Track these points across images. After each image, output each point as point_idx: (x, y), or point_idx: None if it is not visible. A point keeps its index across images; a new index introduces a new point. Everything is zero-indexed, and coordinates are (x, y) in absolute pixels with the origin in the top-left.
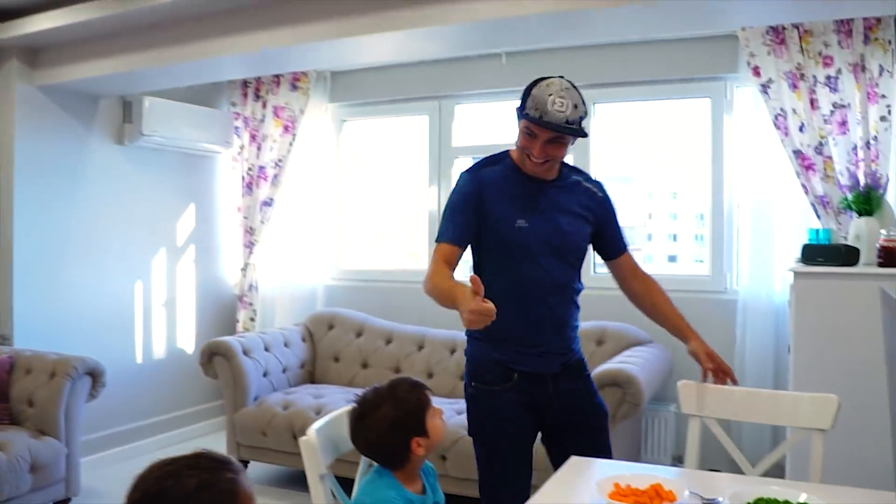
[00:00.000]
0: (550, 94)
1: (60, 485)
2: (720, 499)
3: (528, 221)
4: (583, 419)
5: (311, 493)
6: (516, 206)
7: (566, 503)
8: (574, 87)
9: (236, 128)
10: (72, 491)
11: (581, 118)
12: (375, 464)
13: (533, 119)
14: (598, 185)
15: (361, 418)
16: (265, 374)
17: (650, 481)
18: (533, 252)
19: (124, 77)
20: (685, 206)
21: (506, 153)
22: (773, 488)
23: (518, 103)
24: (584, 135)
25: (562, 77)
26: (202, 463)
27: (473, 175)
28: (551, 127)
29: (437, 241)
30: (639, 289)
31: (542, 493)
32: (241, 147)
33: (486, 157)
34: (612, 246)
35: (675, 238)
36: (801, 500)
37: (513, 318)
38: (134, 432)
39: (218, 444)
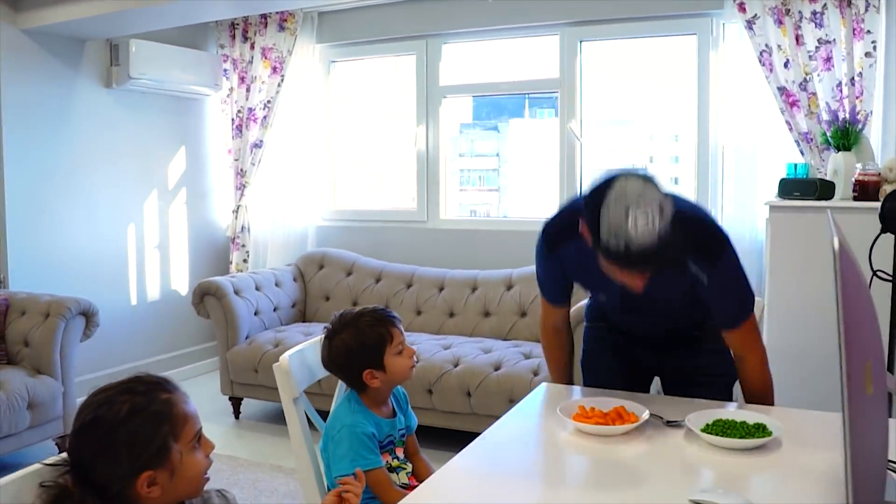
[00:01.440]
0: (625, 212)
1: (58, 422)
2: (684, 420)
3: (609, 299)
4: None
5: (285, 415)
6: (596, 283)
7: (529, 425)
8: (649, 191)
9: (225, 70)
10: (69, 428)
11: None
12: (349, 389)
13: (619, 257)
14: (709, 267)
15: (328, 338)
16: (256, 314)
17: (614, 405)
18: (623, 311)
19: (110, 19)
20: (687, 148)
21: (578, 226)
22: (730, 410)
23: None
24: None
25: (626, 177)
26: (136, 387)
27: (553, 254)
28: (644, 261)
29: (541, 295)
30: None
31: (508, 416)
32: (231, 89)
33: (559, 230)
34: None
35: (676, 181)
36: (756, 422)
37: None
38: (130, 373)
39: (212, 383)
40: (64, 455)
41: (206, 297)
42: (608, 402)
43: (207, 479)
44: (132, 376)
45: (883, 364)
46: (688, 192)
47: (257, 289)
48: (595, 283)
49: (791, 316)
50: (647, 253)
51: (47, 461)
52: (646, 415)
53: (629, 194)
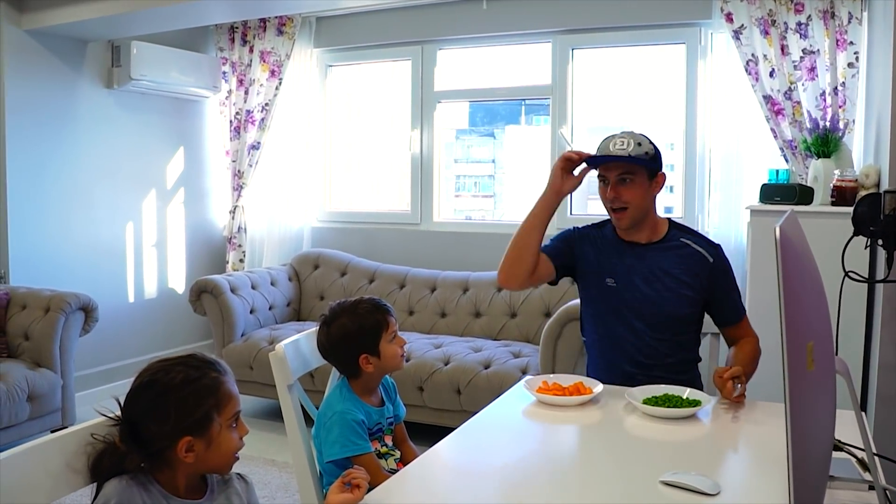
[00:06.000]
0: (612, 136)
1: (56, 414)
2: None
3: (616, 281)
4: None
5: (280, 401)
6: (607, 263)
7: (509, 414)
8: (639, 133)
9: (224, 72)
10: (68, 420)
11: (647, 154)
12: (340, 378)
13: (594, 157)
14: (712, 248)
15: (325, 324)
16: (252, 312)
17: (573, 380)
18: (623, 313)
19: (112, 21)
20: (681, 156)
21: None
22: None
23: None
24: (656, 166)
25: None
26: (192, 362)
27: (575, 228)
28: (611, 158)
29: None
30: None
31: (490, 407)
32: (229, 91)
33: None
34: (722, 316)
35: (671, 190)
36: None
37: (603, 370)
38: (126, 369)
39: None
40: (118, 413)
41: (203, 294)
42: (569, 378)
43: (237, 458)
44: (189, 353)
45: (830, 348)
46: (677, 199)
47: (253, 287)
48: (604, 259)
49: (771, 316)
50: (625, 155)
51: (104, 413)
52: (599, 388)
53: (617, 132)
